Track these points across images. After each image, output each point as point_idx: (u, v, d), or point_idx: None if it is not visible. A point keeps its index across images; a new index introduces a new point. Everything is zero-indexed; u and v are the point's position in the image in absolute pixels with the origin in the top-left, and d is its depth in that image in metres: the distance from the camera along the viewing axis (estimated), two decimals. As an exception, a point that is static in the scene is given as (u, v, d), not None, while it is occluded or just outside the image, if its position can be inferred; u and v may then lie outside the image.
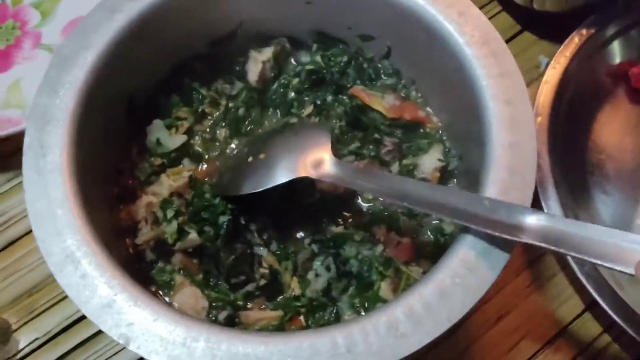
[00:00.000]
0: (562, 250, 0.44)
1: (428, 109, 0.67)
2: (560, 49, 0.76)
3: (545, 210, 0.67)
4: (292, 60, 0.72)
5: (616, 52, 0.79)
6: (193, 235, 0.58)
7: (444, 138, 0.65)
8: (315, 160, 0.57)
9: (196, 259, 0.59)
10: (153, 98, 0.66)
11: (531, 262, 0.70)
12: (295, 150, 0.59)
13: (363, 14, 0.64)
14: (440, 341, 0.58)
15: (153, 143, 0.64)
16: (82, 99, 0.54)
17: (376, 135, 0.65)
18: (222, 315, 0.57)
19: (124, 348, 0.46)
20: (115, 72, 0.57)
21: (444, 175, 0.64)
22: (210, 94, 0.68)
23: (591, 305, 0.67)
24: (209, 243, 0.58)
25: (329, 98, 0.68)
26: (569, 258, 0.65)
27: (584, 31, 0.76)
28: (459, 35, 0.57)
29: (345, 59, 0.69)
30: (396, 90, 0.69)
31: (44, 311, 0.66)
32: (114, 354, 0.64)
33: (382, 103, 0.66)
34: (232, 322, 0.57)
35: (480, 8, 0.82)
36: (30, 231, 0.66)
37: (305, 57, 0.72)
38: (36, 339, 0.65)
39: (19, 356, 0.64)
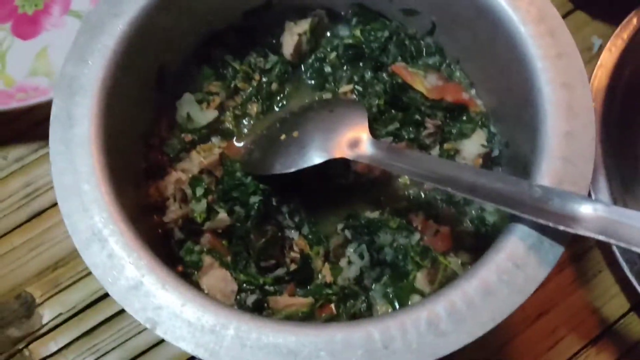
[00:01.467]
0: (622, 244, 0.40)
1: (472, 91, 0.63)
2: (617, 31, 0.70)
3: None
4: (330, 34, 0.68)
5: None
6: (222, 215, 0.56)
7: (489, 123, 0.62)
8: (352, 139, 0.54)
9: (225, 240, 0.57)
10: (184, 70, 0.63)
11: (575, 257, 0.66)
12: (330, 129, 0.56)
13: (408, -15, 0.60)
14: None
15: (183, 118, 0.61)
16: (112, 68, 0.51)
17: (417, 117, 0.62)
18: (251, 299, 0.54)
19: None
20: (145, 41, 0.55)
21: (487, 163, 0.60)
22: (243, 68, 0.65)
23: (637, 305, 0.63)
24: (239, 224, 0.56)
25: (368, 75, 0.65)
26: (618, 255, 0.61)
27: (643, 11, 0.71)
28: (512, 11, 0.53)
29: (386, 34, 0.66)
30: (439, 70, 0.65)
31: (68, 286, 0.65)
32: (138, 333, 0.63)
33: (424, 83, 0.62)
34: (260, 307, 0.55)
35: (530, -17, 0.80)
36: (56, 204, 0.63)
37: (343, 31, 0.68)
38: (60, 314, 0.64)
39: (42, 330, 0.63)
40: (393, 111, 0.63)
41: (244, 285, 0.55)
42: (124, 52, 0.52)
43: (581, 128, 0.48)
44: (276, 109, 0.65)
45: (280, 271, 0.56)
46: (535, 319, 0.63)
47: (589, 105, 0.49)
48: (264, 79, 0.65)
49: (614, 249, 0.61)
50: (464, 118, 0.63)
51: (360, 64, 0.66)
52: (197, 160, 0.59)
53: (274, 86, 0.65)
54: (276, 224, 0.57)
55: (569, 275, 0.65)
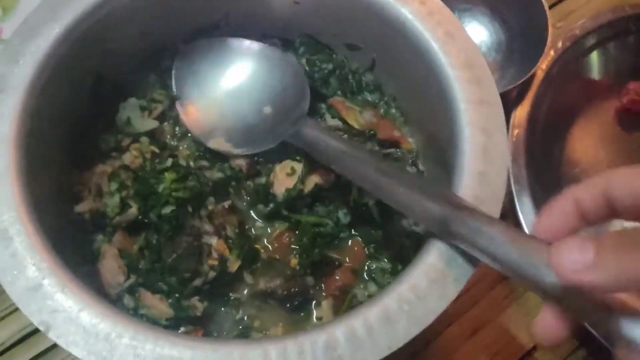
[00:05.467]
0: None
1: (406, 129, 0.65)
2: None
3: (524, 224, 0.64)
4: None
5: (593, 66, 0.78)
6: (132, 210, 0.55)
7: (418, 161, 0.63)
8: None
9: (136, 244, 0.57)
10: (128, 75, 0.64)
11: (507, 274, 0.68)
12: None
13: (349, 21, 0.62)
14: (416, 353, 0.60)
15: (122, 121, 0.61)
16: (43, 70, 0.52)
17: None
18: (129, 282, 0.54)
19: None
20: (83, 50, 0.56)
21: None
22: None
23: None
24: (154, 241, 0.56)
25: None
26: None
27: (559, 44, 0.75)
28: (443, 55, 0.55)
29: (330, 66, 0.67)
30: (376, 107, 0.67)
31: (-3, 321, 0.62)
32: (71, 366, 0.60)
33: (358, 118, 0.64)
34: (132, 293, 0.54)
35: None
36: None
37: (292, 58, 0.69)
38: (-12, 351, 0.61)
39: (-30, 368, 0.61)
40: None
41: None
42: (57, 56, 0.53)
43: (494, 171, 0.50)
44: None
45: (197, 282, 0.55)
46: (470, 335, 0.65)
47: (505, 151, 0.51)
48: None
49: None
50: (396, 155, 0.64)
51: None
52: (128, 159, 0.59)
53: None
54: (192, 232, 0.56)
55: (501, 292, 0.67)
